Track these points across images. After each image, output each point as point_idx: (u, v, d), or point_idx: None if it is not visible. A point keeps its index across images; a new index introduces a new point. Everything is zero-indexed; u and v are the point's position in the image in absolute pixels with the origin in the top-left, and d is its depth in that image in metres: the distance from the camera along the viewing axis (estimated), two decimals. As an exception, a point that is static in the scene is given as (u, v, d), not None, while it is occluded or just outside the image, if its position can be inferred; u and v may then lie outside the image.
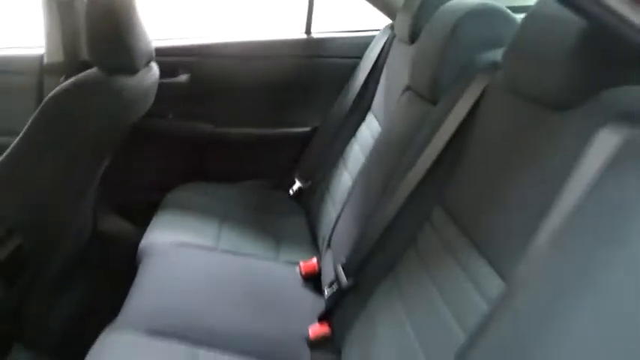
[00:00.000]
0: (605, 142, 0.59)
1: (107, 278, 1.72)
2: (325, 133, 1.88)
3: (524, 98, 0.82)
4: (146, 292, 1.25)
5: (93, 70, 1.32)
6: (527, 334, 0.57)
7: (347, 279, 1.16)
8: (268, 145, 2.01)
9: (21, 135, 1.28)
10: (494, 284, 0.74)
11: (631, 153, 0.56)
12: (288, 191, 1.92)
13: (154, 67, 1.53)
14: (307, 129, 1.98)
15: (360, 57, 1.87)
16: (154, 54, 1.49)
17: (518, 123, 0.83)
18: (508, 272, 0.72)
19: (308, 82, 1.97)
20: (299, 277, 1.43)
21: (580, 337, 0.53)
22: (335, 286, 1.20)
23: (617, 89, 0.68)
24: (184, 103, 1.92)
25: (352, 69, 1.87)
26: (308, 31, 1.97)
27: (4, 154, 1.28)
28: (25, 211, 1.30)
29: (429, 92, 1.16)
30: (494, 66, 0.97)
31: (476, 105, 0.96)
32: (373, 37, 1.86)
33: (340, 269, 1.19)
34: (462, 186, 0.95)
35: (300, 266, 1.45)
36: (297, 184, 1.90)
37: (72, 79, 1.29)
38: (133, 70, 1.35)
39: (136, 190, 1.96)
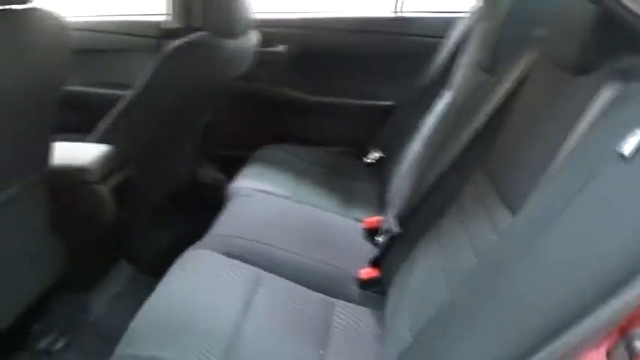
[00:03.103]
0: (602, 98, 0.70)
1: (200, 217, 1.98)
2: (405, 107, 2.00)
3: (555, 67, 0.91)
4: (227, 224, 1.47)
5: (202, 33, 1.55)
6: (522, 246, 0.68)
7: (398, 228, 1.30)
8: (350, 115, 2.16)
9: (141, 85, 1.54)
10: (507, 222, 0.85)
11: (620, 104, 0.66)
12: (365, 160, 2.06)
13: (254, 35, 1.74)
14: (388, 103, 2.11)
15: (444, 37, 1.96)
16: (253, 23, 1.69)
17: (546, 89, 0.92)
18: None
19: (393, 59, 2.10)
20: (361, 230, 1.58)
21: (558, 247, 0.63)
22: (387, 234, 1.35)
23: (624, 58, 0.77)
24: (278, 72, 2.12)
25: (436, 48, 1.97)
26: (397, 9, 2.09)
27: (126, 101, 1.56)
28: (137, 148, 1.57)
29: (488, 65, 1.26)
30: (541, 41, 1.06)
31: (521, 76, 1.06)
32: (458, 18, 1.94)
33: (393, 220, 1.33)
34: (500, 149, 1.05)
35: (363, 221, 1.60)
36: (374, 154, 2.05)
37: (184, 39, 1.53)
38: (235, 34, 1.57)
39: (229, 146, 2.20)
